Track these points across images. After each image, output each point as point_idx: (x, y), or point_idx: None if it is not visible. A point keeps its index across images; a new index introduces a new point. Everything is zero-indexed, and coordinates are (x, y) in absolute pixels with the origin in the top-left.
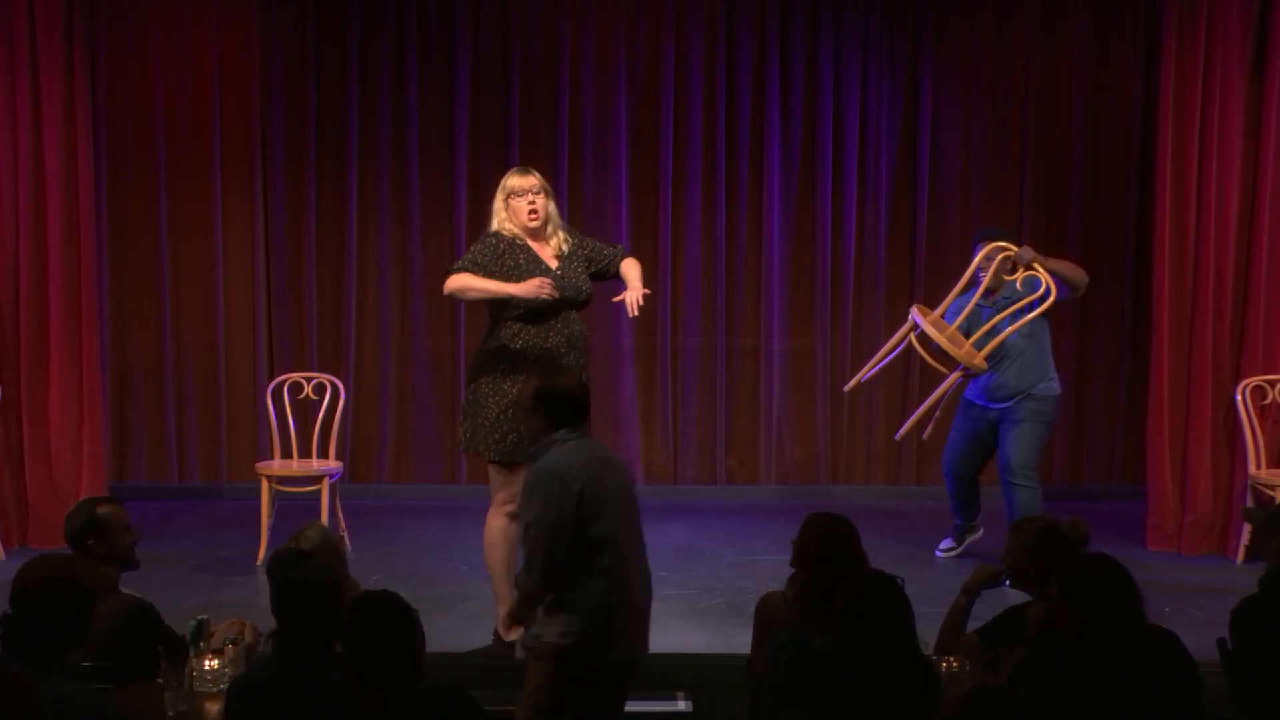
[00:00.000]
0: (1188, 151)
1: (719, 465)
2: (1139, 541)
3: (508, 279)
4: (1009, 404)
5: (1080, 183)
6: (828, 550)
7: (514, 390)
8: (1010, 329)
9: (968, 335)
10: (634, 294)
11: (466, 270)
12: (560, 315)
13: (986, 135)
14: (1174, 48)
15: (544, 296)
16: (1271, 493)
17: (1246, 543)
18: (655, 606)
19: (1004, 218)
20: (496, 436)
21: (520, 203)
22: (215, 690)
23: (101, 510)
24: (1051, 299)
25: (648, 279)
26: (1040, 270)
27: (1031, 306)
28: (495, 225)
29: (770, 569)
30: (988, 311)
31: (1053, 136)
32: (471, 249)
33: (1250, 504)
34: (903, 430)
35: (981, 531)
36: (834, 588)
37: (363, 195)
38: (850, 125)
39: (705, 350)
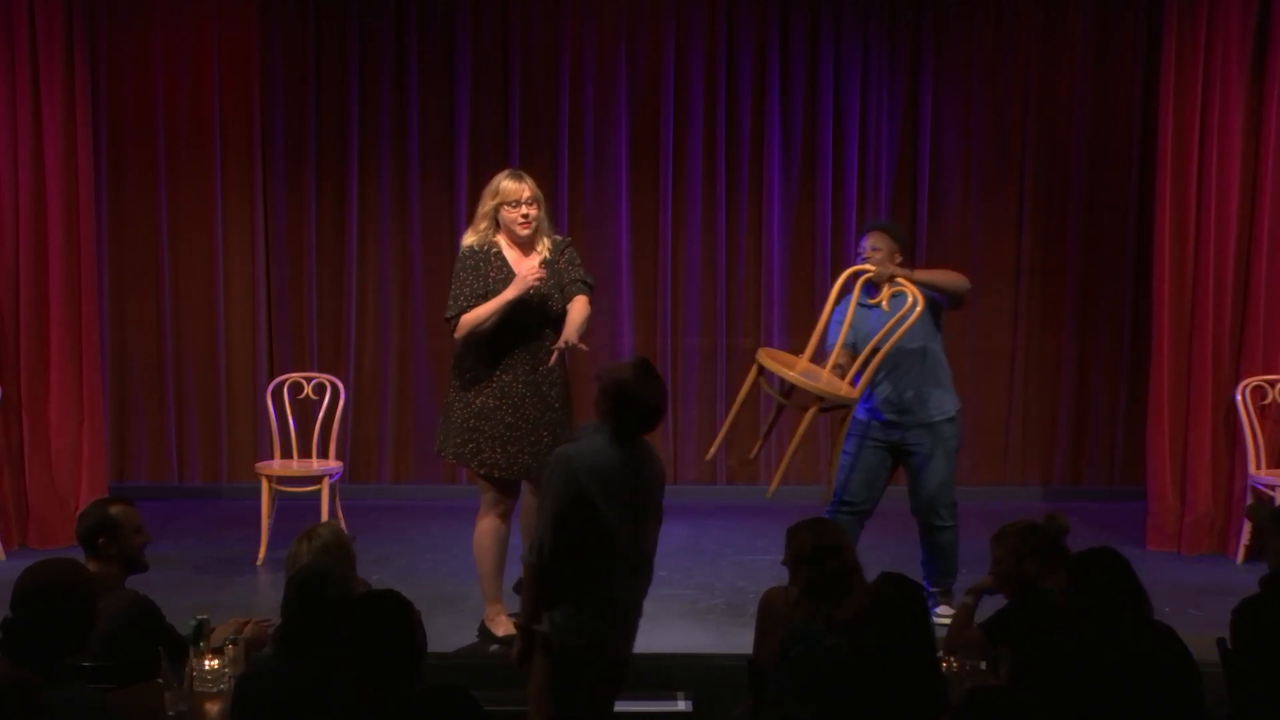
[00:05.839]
0: (1188, 151)
1: (719, 465)
2: (1139, 541)
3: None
4: (910, 432)
5: (1080, 183)
6: (817, 555)
7: (477, 400)
8: (881, 351)
9: (856, 351)
10: (560, 341)
11: (466, 310)
12: (527, 329)
13: (986, 135)
14: (1174, 48)
15: (534, 284)
16: (1271, 493)
17: (1246, 542)
18: (655, 607)
19: (1004, 218)
20: (458, 441)
21: (514, 213)
22: (215, 690)
23: (114, 510)
24: (918, 311)
25: (648, 279)
26: (905, 284)
27: (901, 323)
28: (472, 232)
29: (770, 569)
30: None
31: (1053, 136)
32: (458, 281)
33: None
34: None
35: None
36: (836, 584)
37: (363, 195)
38: (850, 125)
39: (705, 350)
